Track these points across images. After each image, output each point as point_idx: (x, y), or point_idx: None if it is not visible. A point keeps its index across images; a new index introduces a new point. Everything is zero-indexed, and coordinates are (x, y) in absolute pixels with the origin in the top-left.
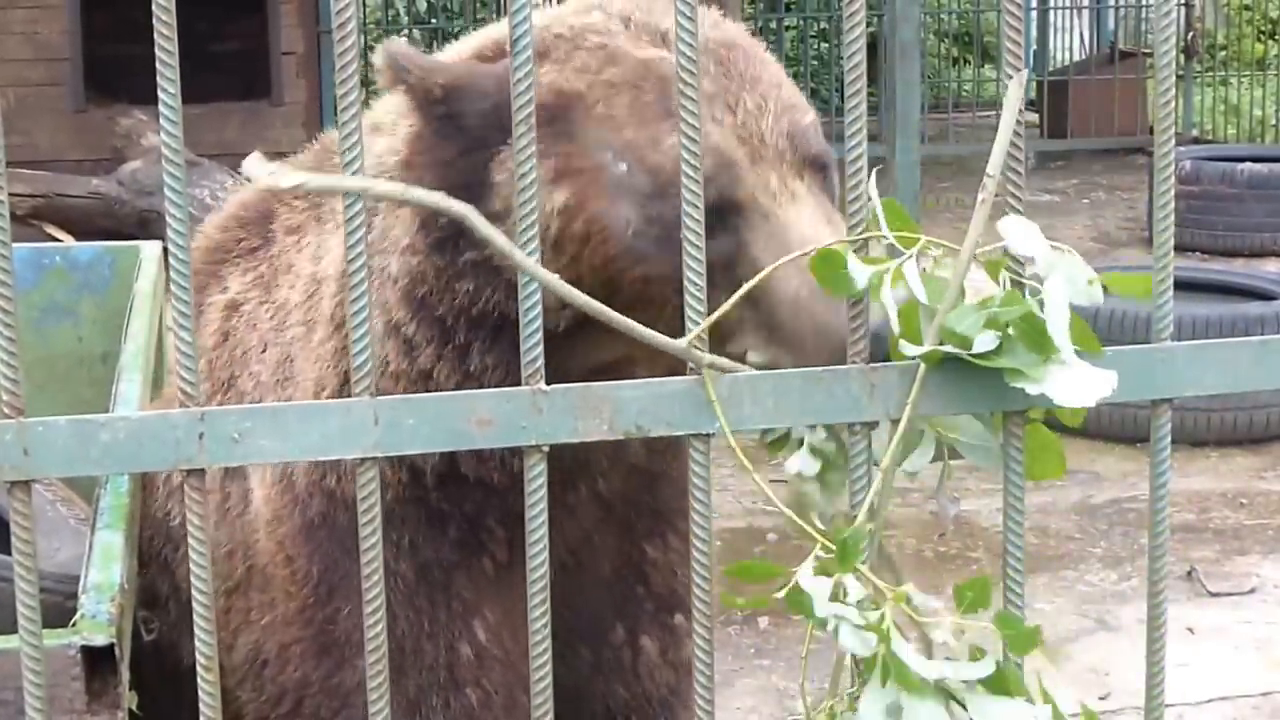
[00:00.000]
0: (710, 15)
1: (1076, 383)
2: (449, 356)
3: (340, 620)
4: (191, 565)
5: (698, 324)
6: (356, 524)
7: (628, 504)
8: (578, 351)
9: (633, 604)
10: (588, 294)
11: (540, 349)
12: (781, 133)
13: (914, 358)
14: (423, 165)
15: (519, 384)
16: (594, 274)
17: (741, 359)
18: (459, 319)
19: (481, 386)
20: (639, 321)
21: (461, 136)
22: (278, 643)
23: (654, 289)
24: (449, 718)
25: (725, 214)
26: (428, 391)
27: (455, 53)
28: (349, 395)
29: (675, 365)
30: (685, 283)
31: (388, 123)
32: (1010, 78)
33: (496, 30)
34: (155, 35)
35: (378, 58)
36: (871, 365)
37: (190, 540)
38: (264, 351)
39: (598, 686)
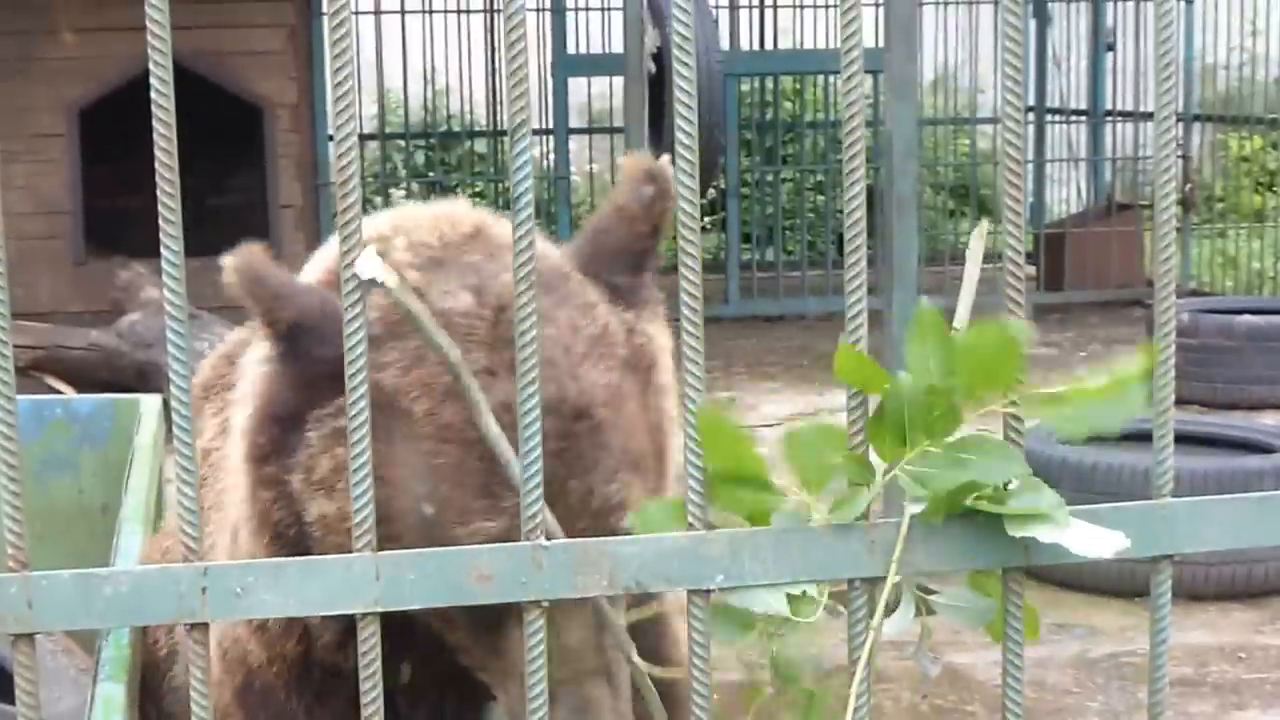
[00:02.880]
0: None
1: (1090, 533)
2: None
3: None
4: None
5: (695, 472)
6: (266, 688)
7: None
8: (427, 695)
9: None
10: None
11: (541, 503)
12: None
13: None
14: (265, 395)
15: None
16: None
17: None
18: None
19: None
20: None
21: (296, 371)
22: None
23: None
24: None
25: None
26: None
27: (323, 266)
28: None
29: None
30: (685, 442)
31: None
32: (1011, 232)
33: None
34: (159, 190)
35: (228, 269)
36: (872, 522)
37: (192, 694)
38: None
39: None
